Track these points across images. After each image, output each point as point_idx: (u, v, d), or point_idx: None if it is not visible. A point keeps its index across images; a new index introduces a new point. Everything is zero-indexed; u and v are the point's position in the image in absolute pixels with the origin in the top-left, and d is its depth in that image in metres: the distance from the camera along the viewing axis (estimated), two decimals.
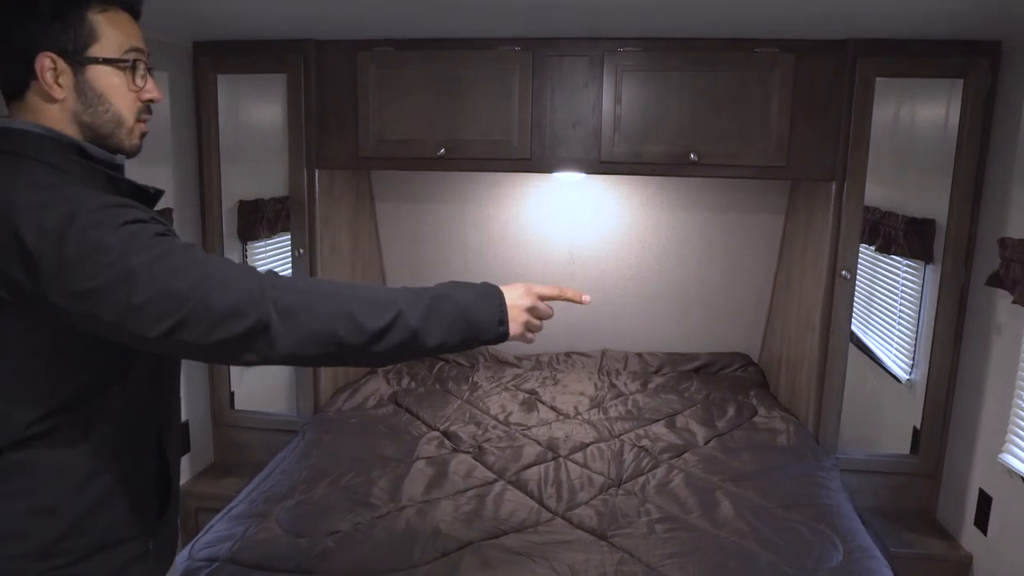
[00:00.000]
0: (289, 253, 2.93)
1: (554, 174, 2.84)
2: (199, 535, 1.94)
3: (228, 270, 1.05)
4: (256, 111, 3.07)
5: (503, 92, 2.62)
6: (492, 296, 1.20)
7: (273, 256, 3.09)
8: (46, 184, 1.04)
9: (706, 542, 1.98)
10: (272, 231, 3.05)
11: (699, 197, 3.32)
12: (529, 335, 1.25)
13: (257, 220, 2.98)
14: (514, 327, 1.21)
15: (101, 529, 1.16)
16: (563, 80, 2.63)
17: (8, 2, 1.07)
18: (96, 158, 1.13)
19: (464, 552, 1.88)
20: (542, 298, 1.26)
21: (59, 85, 1.10)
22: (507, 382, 3.18)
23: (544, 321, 1.28)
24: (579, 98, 2.63)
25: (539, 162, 2.68)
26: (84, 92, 1.12)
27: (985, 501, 2.40)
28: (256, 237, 3.00)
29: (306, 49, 2.66)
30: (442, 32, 2.56)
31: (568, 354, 3.44)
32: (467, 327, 1.16)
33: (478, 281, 1.23)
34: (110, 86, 1.14)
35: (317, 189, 2.78)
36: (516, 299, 1.21)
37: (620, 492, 2.26)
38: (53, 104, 1.11)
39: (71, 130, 1.12)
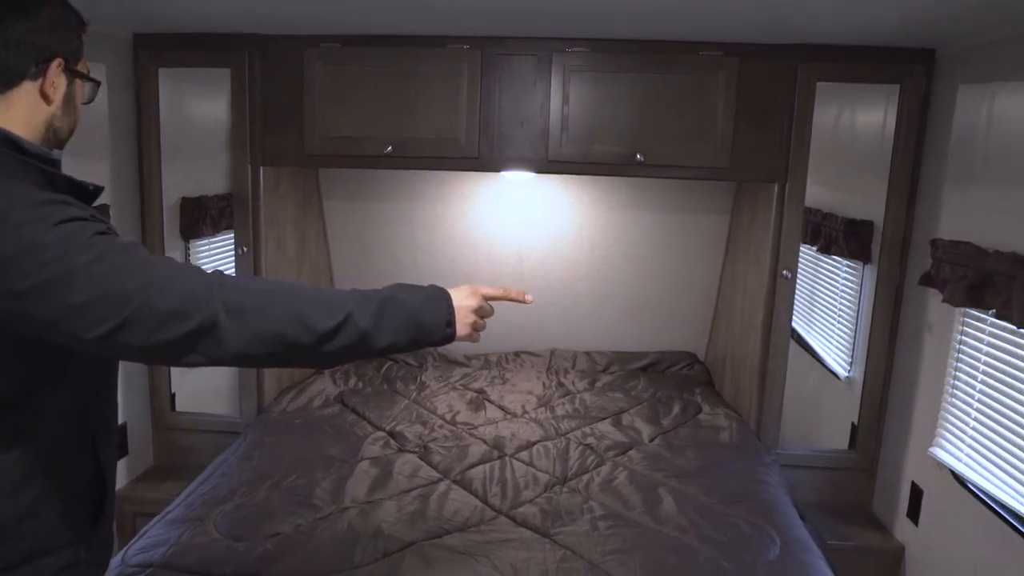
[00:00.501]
0: (233, 251, 2.89)
1: (503, 173, 2.84)
2: (133, 540, 1.90)
3: (172, 270, 1.04)
4: (199, 106, 3.00)
5: (451, 90, 2.62)
6: (440, 298, 1.22)
7: (217, 254, 3.03)
8: None
9: (647, 538, 2.00)
10: (216, 229, 2.99)
11: (647, 198, 3.35)
12: (475, 334, 1.28)
13: (200, 218, 2.92)
14: (461, 328, 1.24)
15: (31, 537, 1.12)
16: (511, 79, 2.63)
17: (46, 8, 1.12)
18: (29, 152, 1.10)
19: (406, 552, 1.86)
20: (487, 298, 1.29)
21: (55, 89, 1.15)
22: (455, 381, 3.17)
23: (492, 320, 1.31)
24: (527, 97, 2.64)
25: (487, 161, 2.68)
26: (68, 100, 1.18)
27: (917, 493, 2.47)
28: (199, 235, 2.94)
29: (251, 44, 2.62)
30: (391, 29, 2.54)
31: (517, 353, 3.45)
32: (416, 328, 1.18)
33: (425, 282, 1.26)
34: (79, 98, 1.22)
35: (262, 186, 2.73)
36: (462, 300, 1.25)
37: (564, 490, 2.27)
38: (44, 106, 1.14)
39: (39, 130, 1.14)
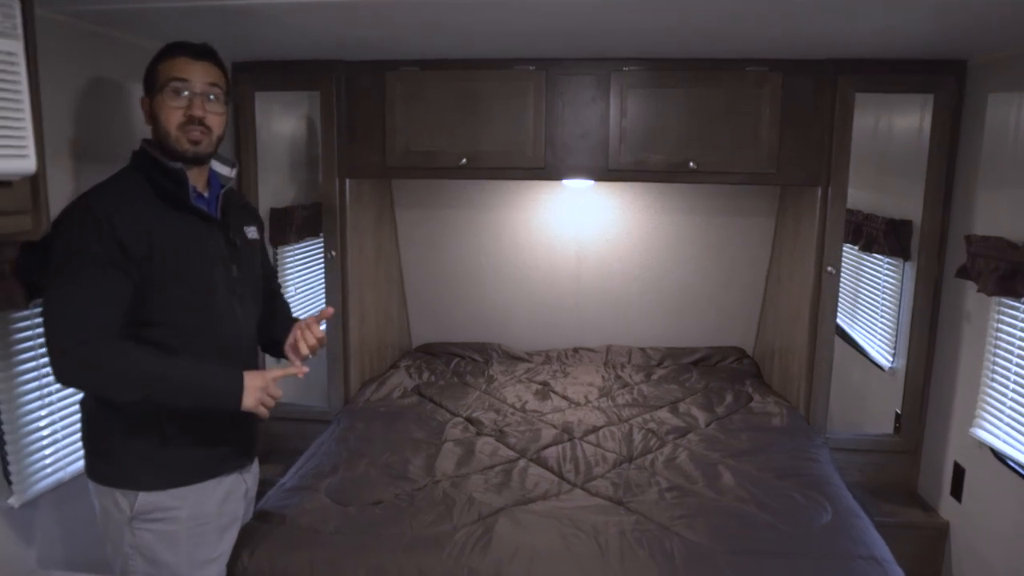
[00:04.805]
0: (315, 256, 3.16)
1: (563, 182, 3.08)
2: (257, 504, 2.16)
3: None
4: (282, 125, 3.30)
5: (519, 107, 2.88)
6: (233, 379, 1.68)
7: (303, 258, 3.32)
8: None
9: (711, 506, 2.22)
10: (300, 237, 3.28)
11: (696, 202, 3.59)
12: (261, 408, 1.70)
13: (287, 226, 3.21)
14: (248, 400, 1.68)
15: None
16: (573, 96, 2.88)
17: None
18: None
19: (498, 516, 2.11)
20: (274, 379, 1.73)
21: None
22: (520, 375, 3.42)
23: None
24: (587, 112, 2.89)
25: (552, 170, 2.94)
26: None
27: (959, 473, 2.65)
28: (286, 242, 3.23)
29: (337, 69, 2.91)
30: (463, 54, 2.81)
31: (576, 349, 3.69)
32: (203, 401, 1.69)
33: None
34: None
35: (348, 197, 3.02)
36: (251, 381, 1.68)
37: (632, 467, 2.50)
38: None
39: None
